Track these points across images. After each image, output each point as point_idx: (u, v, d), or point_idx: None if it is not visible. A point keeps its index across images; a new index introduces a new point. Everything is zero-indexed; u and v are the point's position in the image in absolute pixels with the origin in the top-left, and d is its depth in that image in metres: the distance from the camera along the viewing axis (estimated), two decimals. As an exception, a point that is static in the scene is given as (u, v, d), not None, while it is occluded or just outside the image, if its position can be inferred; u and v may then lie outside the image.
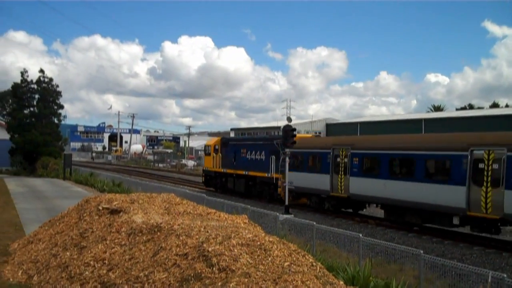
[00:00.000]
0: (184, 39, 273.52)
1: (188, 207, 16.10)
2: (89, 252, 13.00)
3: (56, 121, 66.25)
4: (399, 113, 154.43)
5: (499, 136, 22.40)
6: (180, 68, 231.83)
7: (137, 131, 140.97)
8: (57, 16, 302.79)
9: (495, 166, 20.21)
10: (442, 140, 24.64)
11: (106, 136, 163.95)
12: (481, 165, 20.73)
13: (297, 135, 32.36)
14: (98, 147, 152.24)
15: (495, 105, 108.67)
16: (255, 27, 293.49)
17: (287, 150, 29.04)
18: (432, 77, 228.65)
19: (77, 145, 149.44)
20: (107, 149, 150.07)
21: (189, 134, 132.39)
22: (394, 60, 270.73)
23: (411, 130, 64.90)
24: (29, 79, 63.85)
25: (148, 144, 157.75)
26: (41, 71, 64.27)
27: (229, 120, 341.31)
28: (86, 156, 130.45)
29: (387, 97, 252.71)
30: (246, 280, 8.69)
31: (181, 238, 11.43)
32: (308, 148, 32.49)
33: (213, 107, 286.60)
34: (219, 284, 8.93)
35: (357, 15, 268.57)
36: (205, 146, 47.91)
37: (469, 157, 21.18)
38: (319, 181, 30.14)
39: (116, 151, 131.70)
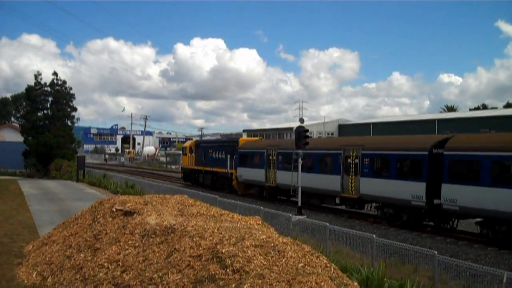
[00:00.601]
0: (196, 41, 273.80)
1: (201, 209, 16.12)
2: (103, 253, 13.04)
3: (69, 123, 66.57)
4: (412, 113, 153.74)
5: (359, 139, 32.32)
6: (193, 70, 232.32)
7: (149, 133, 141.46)
8: (70, 18, 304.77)
9: (356, 160, 28.33)
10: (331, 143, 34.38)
11: (119, 138, 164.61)
12: (348, 160, 29.02)
13: (241, 138, 46.85)
14: (111, 149, 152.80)
15: (509, 105, 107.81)
16: (267, 29, 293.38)
17: (300, 151, 28.97)
18: (445, 78, 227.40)
19: (90, 147, 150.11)
20: (120, 151, 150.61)
21: (201, 136, 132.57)
22: (407, 61, 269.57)
23: (424, 131, 64.46)
24: (42, 82, 64.23)
25: (160, 145, 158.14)
26: (55, 73, 64.66)
27: (241, 122, 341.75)
28: (99, 158, 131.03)
29: (400, 98, 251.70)
30: (260, 281, 8.67)
31: (194, 239, 11.44)
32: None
33: (226, 109, 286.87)
34: (233, 285, 8.91)
35: (369, 15, 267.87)
36: (183, 147, 57.11)
37: (342, 154, 29.68)
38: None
39: (129, 153, 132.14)
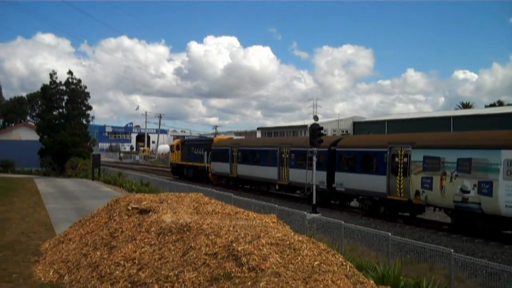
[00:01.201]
0: (209, 39, 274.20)
1: (216, 207, 16.15)
2: (119, 251, 13.10)
3: (84, 122, 66.97)
4: (427, 110, 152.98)
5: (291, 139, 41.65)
6: (206, 68, 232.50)
7: (164, 131, 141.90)
8: (84, 17, 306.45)
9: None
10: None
11: (133, 136, 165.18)
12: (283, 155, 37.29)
13: (216, 137, 57.82)
14: (126, 147, 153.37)
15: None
16: (280, 26, 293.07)
17: (314, 149, 28.92)
18: (460, 74, 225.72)
19: (105, 145, 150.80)
20: (134, 149, 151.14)
21: (215, 134, 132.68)
22: (421, 57, 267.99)
23: (440, 128, 64.15)
24: (58, 81, 64.63)
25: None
26: (70, 72, 65.02)
27: (255, 120, 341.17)
28: (114, 156, 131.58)
29: (415, 95, 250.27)
30: (276, 279, 8.67)
31: (210, 237, 11.46)
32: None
33: (239, 107, 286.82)
34: (249, 283, 8.93)
35: (383, 12, 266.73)
36: (171, 145, 68.58)
37: (278, 150, 38.31)
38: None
39: (143, 151, 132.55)
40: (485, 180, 21.50)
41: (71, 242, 16.41)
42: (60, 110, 65.34)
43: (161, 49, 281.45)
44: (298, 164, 35.30)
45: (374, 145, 29.18)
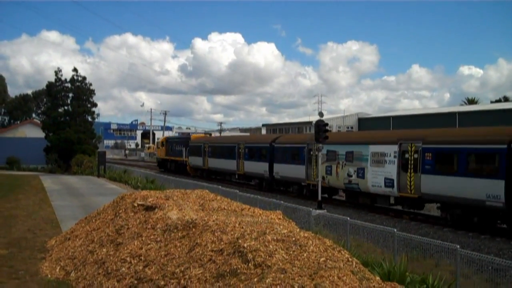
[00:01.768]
0: (214, 36, 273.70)
1: (222, 203, 16.17)
2: (125, 248, 13.13)
3: (89, 119, 67.10)
4: (432, 106, 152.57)
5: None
6: (211, 64, 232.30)
7: (169, 128, 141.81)
8: (89, 15, 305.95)
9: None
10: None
11: (138, 133, 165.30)
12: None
13: (192, 135, 67.17)
14: (131, 144, 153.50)
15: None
16: (285, 23, 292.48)
17: (319, 145, 28.91)
18: (465, 70, 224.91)
19: (111, 142, 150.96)
20: (140, 146, 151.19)
21: (220, 131, 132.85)
22: (426, 53, 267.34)
23: (445, 124, 64.02)
24: (63, 78, 64.73)
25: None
26: (75, 70, 65.18)
27: (260, 116, 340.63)
28: (119, 153, 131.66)
29: (420, 91, 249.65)
30: (282, 275, 8.68)
31: (216, 234, 11.48)
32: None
33: (244, 103, 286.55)
34: (255, 280, 8.94)
35: (388, 8, 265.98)
36: (157, 142, 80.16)
37: (236, 146, 45.67)
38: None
39: (149, 148, 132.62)
40: (360, 167, 29.74)
41: (77, 239, 16.45)
42: (66, 108, 65.49)
43: (166, 46, 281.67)
44: (251, 157, 43.33)
45: (297, 142, 37.99)
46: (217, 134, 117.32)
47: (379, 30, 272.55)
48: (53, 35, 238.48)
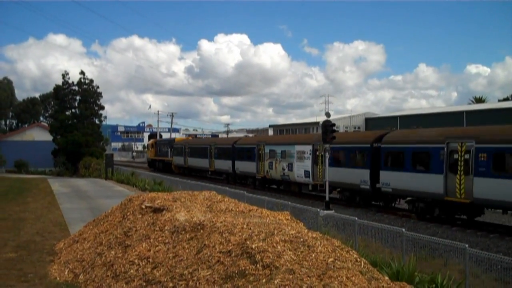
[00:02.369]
0: (220, 37, 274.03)
1: (230, 205, 16.16)
2: (133, 250, 13.15)
3: (97, 121, 67.36)
4: (440, 105, 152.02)
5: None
6: (217, 66, 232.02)
7: (176, 130, 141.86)
8: (95, 17, 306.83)
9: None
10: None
11: (146, 135, 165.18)
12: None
13: (176, 138, 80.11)
14: (139, 146, 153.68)
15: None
16: (291, 23, 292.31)
17: (326, 145, 28.90)
18: (472, 68, 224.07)
19: (118, 145, 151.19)
20: (147, 149, 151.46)
21: (227, 132, 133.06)
22: (433, 52, 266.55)
23: (453, 123, 63.79)
24: (70, 81, 64.96)
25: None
26: (82, 72, 65.42)
27: (266, 117, 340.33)
28: (126, 155, 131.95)
29: (427, 90, 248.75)
30: (291, 276, 8.67)
31: (224, 235, 11.47)
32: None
33: (251, 104, 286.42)
34: (263, 281, 8.92)
35: (394, 7, 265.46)
36: (147, 144, 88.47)
37: (208, 147, 54.30)
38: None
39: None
40: (290, 162, 38.01)
41: (86, 242, 16.49)
42: (73, 110, 65.74)
43: (172, 48, 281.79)
44: (219, 157, 52.24)
45: (251, 143, 46.63)
46: (224, 136, 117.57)
47: (385, 30, 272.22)
48: (59, 38, 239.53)
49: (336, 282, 8.36)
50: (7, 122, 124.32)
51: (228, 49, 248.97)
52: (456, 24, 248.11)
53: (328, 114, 32.17)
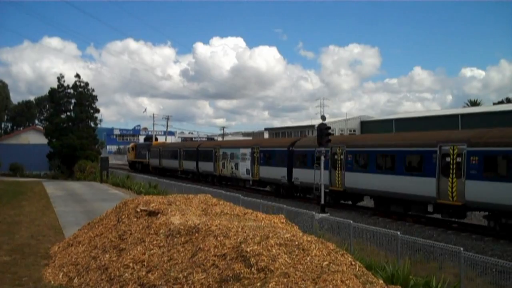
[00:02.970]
0: (215, 40, 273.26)
1: (225, 208, 16.16)
2: (128, 254, 13.14)
3: (92, 125, 67.20)
4: (435, 109, 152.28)
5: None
6: (213, 69, 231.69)
7: (172, 133, 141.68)
8: (90, 20, 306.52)
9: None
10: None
11: (141, 138, 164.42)
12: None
13: (154, 142, 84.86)
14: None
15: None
16: (286, 26, 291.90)
17: (322, 149, 28.92)
18: (467, 71, 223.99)
19: (113, 148, 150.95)
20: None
21: (223, 135, 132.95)
22: (428, 55, 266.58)
23: (448, 126, 63.90)
24: (65, 84, 64.85)
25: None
26: (77, 75, 65.25)
27: (262, 120, 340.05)
28: (122, 159, 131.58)
29: (422, 93, 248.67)
30: (285, 280, 8.67)
31: (219, 239, 11.48)
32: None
33: (246, 107, 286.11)
34: (258, 284, 8.92)
35: (389, 10, 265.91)
36: (128, 147, 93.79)
37: (178, 150, 62.97)
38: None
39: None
40: (236, 162, 45.98)
41: (80, 245, 16.47)
42: (68, 114, 65.64)
43: (167, 51, 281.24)
44: (187, 158, 59.28)
45: (210, 146, 54.53)
46: (220, 139, 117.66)
47: (380, 33, 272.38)
48: (54, 41, 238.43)
49: (330, 286, 8.37)
50: (2, 125, 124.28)
51: (224, 52, 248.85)
52: (451, 27, 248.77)
53: (323, 117, 32.20)
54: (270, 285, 8.60)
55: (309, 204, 33.08)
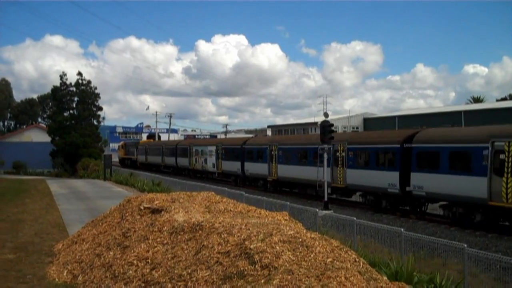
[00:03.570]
0: (217, 38, 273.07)
1: (228, 205, 16.16)
2: (132, 251, 13.15)
3: (95, 122, 67.37)
4: (437, 105, 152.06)
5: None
6: (215, 66, 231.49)
7: (174, 131, 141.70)
8: (92, 18, 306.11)
9: None
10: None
11: (144, 136, 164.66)
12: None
13: (141, 140, 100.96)
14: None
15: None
16: (288, 24, 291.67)
17: (325, 146, 28.91)
18: (470, 68, 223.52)
19: (116, 146, 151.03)
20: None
21: (226, 132, 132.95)
22: (431, 52, 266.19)
23: (450, 123, 63.75)
24: (67, 82, 64.90)
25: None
26: (79, 73, 65.39)
27: (264, 117, 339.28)
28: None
29: (424, 90, 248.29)
30: (289, 277, 8.67)
31: (222, 236, 11.48)
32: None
33: (249, 105, 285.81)
34: (262, 281, 8.92)
35: (391, 7, 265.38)
36: (118, 146, 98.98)
37: (161, 147, 72.63)
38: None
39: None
40: (205, 158, 54.28)
41: (84, 243, 16.48)
42: (71, 112, 65.78)
43: (170, 49, 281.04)
44: (167, 155, 67.41)
45: (185, 144, 63.50)
46: (223, 136, 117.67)
47: (383, 30, 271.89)
48: (56, 39, 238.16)
49: (334, 283, 8.36)
50: (5, 124, 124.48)
51: (226, 50, 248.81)
52: (454, 24, 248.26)
53: (326, 115, 32.20)
54: (274, 282, 8.60)
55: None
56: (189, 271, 10.70)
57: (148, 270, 11.83)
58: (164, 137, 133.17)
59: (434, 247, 14.58)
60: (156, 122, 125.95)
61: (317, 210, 20.58)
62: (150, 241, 13.36)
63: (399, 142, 27.75)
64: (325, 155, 29.17)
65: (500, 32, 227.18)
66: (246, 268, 9.63)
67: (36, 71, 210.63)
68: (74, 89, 65.24)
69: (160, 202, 16.36)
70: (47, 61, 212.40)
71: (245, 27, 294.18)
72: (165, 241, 13.05)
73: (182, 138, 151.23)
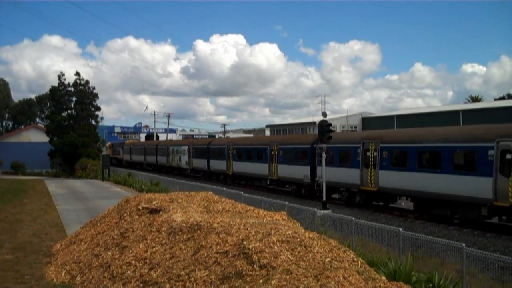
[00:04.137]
0: (216, 38, 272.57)
1: (226, 205, 16.17)
2: (130, 251, 13.14)
3: (93, 122, 67.32)
4: (436, 105, 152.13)
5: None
6: (213, 66, 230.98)
7: (173, 131, 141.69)
8: (90, 18, 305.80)
9: None
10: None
11: (142, 136, 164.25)
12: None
13: (127, 141, 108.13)
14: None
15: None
16: (286, 23, 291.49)
17: (323, 145, 28.91)
18: (468, 68, 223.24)
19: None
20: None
21: (224, 132, 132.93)
22: (429, 51, 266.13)
23: (449, 122, 63.79)
24: (66, 82, 64.86)
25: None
26: (77, 74, 65.32)
27: (263, 117, 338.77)
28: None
29: (423, 89, 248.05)
30: (288, 277, 8.67)
31: (221, 236, 11.48)
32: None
33: (247, 104, 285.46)
34: (260, 281, 8.92)
35: (389, 6, 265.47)
36: (106, 146, 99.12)
37: (143, 147, 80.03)
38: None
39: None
40: (180, 156, 60.94)
41: (83, 243, 16.47)
42: (69, 112, 65.73)
43: (168, 49, 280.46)
44: (149, 154, 73.63)
45: (164, 144, 71.88)
46: (221, 136, 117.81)
47: (381, 29, 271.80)
48: (55, 39, 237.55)
49: (333, 282, 8.37)
50: (4, 124, 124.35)
51: (224, 50, 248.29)
52: (452, 24, 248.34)
53: (324, 114, 32.20)
54: (272, 282, 8.60)
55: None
56: (188, 271, 10.70)
57: (146, 270, 11.82)
58: (163, 137, 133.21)
59: (432, 247, 14.56)
60: (155, 122, 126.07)
61: (316, 210, 20.57)
62: (148, 241, 13.36)
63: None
64: (323, 155, 29.15)
65: (498, 31, 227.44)
66: (245, 268, 9.63)
67: (34, 71, 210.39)
68: (72, 89, 65.20)
69: (158, 202, 16.37)
70: (45, 61, 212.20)
71: (243, 27, 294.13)
72: (164, 241, 13.05)
73: (180, 138, 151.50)
